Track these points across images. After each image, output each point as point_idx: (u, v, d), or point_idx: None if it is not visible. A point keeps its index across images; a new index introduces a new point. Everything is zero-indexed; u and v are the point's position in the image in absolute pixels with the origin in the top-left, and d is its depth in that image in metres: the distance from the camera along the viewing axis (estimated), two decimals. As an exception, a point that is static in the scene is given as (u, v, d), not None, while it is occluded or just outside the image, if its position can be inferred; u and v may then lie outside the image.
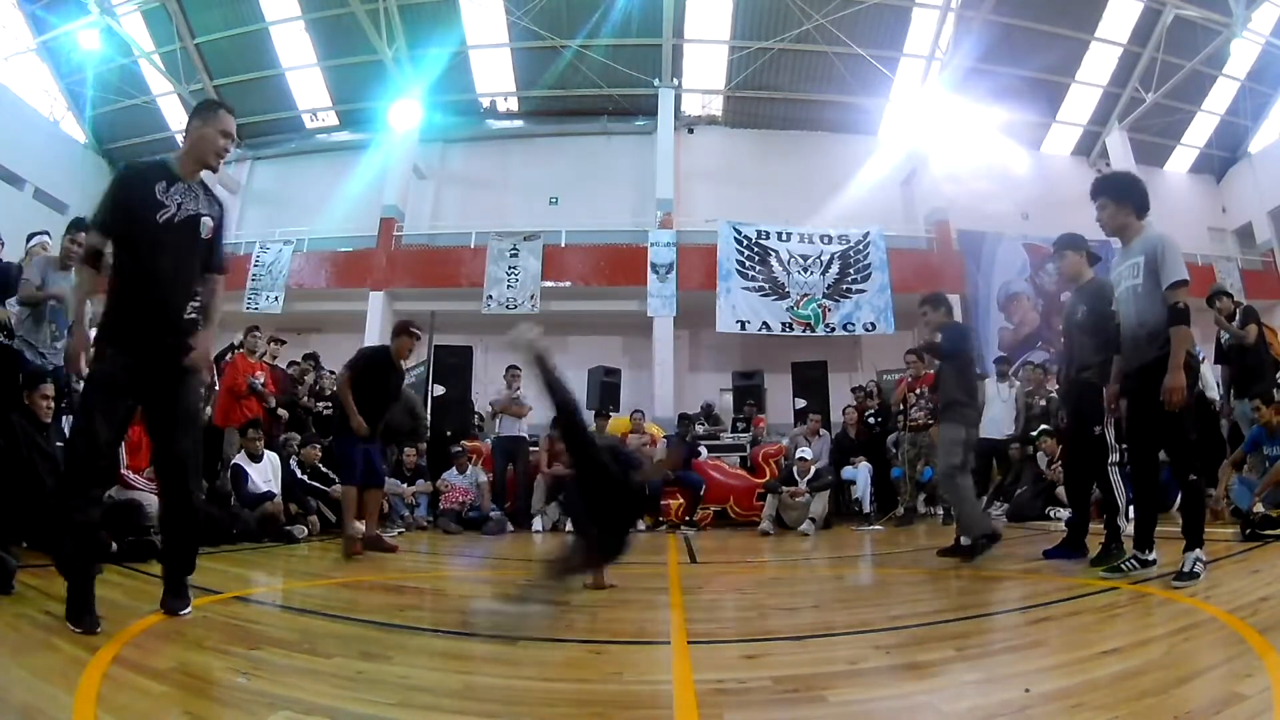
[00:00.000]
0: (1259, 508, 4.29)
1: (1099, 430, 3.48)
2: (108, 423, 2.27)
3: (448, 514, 6.96)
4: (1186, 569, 2.63)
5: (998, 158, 14.41)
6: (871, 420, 8.08)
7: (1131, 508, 3.42)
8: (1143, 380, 2.84)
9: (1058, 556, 3.59)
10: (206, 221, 2.48)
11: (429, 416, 8.24)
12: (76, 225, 4.45)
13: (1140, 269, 2.85)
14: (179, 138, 15.28)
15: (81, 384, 2.44)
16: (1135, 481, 3.16)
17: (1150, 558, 2.91)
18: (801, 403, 10.15)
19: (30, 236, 4.73)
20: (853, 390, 9.01)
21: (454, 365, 9.96)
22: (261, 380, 6.13)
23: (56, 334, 4.35)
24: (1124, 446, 3.35)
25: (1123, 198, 2.99)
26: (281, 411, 6.56)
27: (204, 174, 2.56)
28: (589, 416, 8.45)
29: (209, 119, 2.53)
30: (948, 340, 4.25)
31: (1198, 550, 2.67)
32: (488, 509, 7.06)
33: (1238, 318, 6.04)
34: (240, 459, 5.52)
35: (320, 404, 7.18)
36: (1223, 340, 6.18)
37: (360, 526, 4.79)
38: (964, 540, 3.90)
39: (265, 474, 5.54)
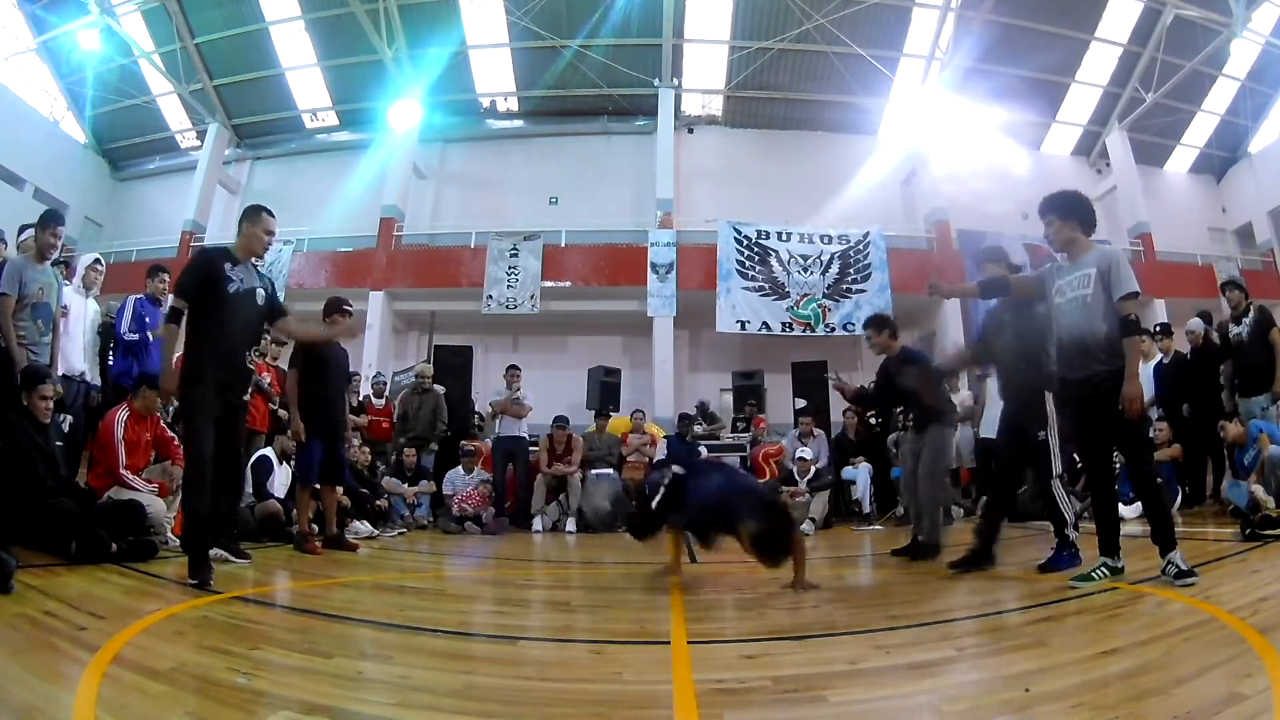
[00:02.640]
0: (1260, 493, 4.29)
1: (1042, 435, 3.48)
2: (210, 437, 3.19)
3: (447, 514, 6.95)
4: (1184, 567, 2.67)
5: (998, 158, 14.40)
6: (872, 420, 8.07)
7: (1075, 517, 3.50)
8: (1090, 390, 2.93)
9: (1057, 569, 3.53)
10: (260, 292, 3.47)
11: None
12: (52, 219, 4.50)
13: (1092, 280, 2.96)
14: (179, 138, 15.38)
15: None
16: (1093, 491, 3.21)
17: (1119, 564, 2.91)
18: (801, 403, 10.12)
19: (21, 229, 4.74)
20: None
21: (454, 365, 9.95)
22: (267, 380, 6.14)
23: (43, 330, 4.36)
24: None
25: (1068, 215, 3.12)
26: (282, 412, 6.55)
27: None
28: (589, 416, 8.50)
29: (255, 221, 3.47)
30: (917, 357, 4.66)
31: (1175, 552, 2.72)
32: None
33: (1250, 314, 5.96)
34: (269, 452, 5.54)
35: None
36: (1231, 335, 6.10)
37: (315, 526, 4.81)
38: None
39: (284, 478, 5.56)
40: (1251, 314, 5.94)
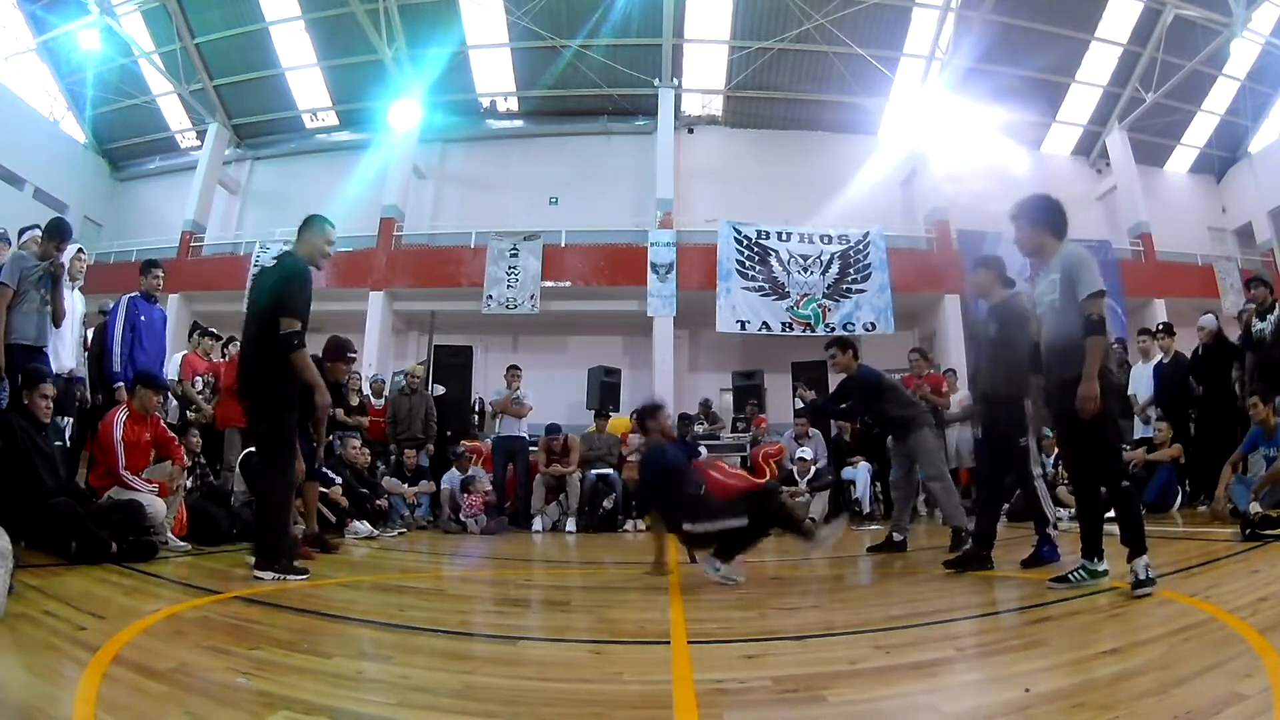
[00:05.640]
0: (1255, 507, 4.27)
1: (1024, 442, 3.62)
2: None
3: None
4: (1142, 576, 2.56)
5: (998, 158, 14.39)
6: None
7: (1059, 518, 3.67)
8: (1064, 395, 2.88)
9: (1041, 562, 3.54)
10: None
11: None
12: (60, 231, 4.49)
13: (1057, 285, 2.91)
14: (179, 138, 15.38)
15: None
16: (1076, 493, 3.21)
17: (1100, 568, 2.86)
18: (801, 403, 10.14)
19: (22, 231, 4.72)
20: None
21: (454, 365, 9.95)
22: None
23: (45, 299, 4.33)
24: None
25: (1038, 220, 3.07)
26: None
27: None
28: (589, 417, 8.50)
29: (321, 231, 3.62)
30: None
31: (1144, 557, 2.61)
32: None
33: (1276, 311, 5.88)
34: None
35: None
36: (1254, 331, 6.05)
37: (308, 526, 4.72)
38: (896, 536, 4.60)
39: None
40: (1278, 310, 5.86)
